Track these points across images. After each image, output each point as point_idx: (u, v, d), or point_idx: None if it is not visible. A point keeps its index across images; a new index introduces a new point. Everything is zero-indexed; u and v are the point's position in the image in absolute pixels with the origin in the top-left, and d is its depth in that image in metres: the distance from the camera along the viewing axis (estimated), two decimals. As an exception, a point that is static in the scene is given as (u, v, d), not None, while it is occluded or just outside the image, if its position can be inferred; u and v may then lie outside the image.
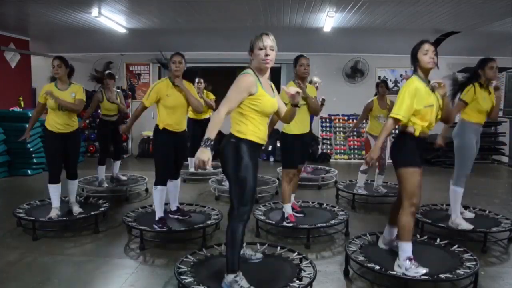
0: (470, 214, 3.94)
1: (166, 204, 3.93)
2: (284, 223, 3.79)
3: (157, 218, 3.66)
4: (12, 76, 7.45)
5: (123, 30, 6.76)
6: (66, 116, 3.91)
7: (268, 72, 2.58)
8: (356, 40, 7.60)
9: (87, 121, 8.72)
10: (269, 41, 2.46)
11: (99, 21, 6.10)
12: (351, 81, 8.89)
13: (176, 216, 3.91)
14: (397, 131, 3.09)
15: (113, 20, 6.16)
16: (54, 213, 3.92)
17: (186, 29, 6.87)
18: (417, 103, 2.72)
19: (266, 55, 2.44)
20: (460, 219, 3.69)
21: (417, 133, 2.79)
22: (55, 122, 3.89)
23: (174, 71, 3.61)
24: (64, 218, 3.88)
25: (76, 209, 4.06)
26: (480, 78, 3.68)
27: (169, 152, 3.72)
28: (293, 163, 3.85)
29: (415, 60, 2.82)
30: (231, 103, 2.39)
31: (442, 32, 6.58)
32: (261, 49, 2.45)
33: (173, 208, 3.98)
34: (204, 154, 2.24)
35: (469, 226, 3.62)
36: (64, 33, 7.03)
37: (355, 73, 8.86)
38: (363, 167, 5.05)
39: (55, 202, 3.98)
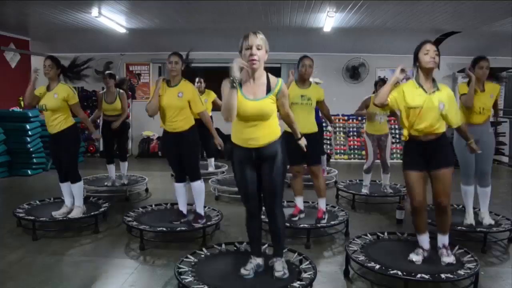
0: (489, 220, 3.76)
1: (190, 204, 3.99)
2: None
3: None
4: (12, 76, 7.44)
5: (123, 30, 6.76)
6: (48, 116, 3.82)
7: (261, 71, 2.49)
8: (356, 40, 7.60)
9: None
10: (256, 40, 2.39)
11: (99, 21, 6.10)
12: (351, 81, 8.89)
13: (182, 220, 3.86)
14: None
15: (113, 20, 6.16)
16: (61, 210, 3.96)
17: (186, 29, 6.87)
18: (400, 97, 2.82)
19: (251, 54, 2.37)
20: (468, 215, 3.76)
21: (404, 134, 2.88)
22: (46, 121, 3.89)
23: (170, 71, 3.64)
24: (64, 218, 3.88)
25: (75, 213, 3.92)
26: (471, 77, 3.64)
27: (167, 151, 3.85)
28: (296, 159, 3.76)
29: (416, 60, 2.83)
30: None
31: (442, 32, 6.58)
32: (247, 48, 2.39)
33: (195, 210, 3.89)
34: (237, 62, 2.34)
35: (471, 221, 3.73)
36: (64, 33, 7.03)
37: (355, 73, 8.86)
38: (365, 166, 5.08)
39: (66, 200, 4.03)
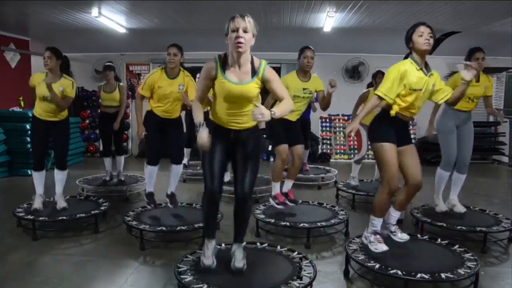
0: (461, 208, 3.88)
1: (190, 204, 4.15)
2: (272, 202, 3.94)
3: (146, 192, 4.04)
4: (12, 76, 7.44)
5: (123, 30, 6.76)
6: (52, 106, 3.89)
7: (247, 56, 2.41)
8: (356, 40, 7.60)
9: (87, 121, 8.74)
10: (242, 22, 2.30)
11: (99, 21, 6.10)
12: (351, 81, 8.89)
13: (167, 201, 4.04)
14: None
15: (113, 20, 6.16)
16: (37, 201, 3.98)
17: (186, 29, 6.86)
18: (403, 86, 2.74)
19: (237, 37, 2.28)
20: (439, 201, 3.83)
21: (392, 112, 2.80)
22: (42, 109, 3.92)
23: (168, 62, 3.69)
24: (64, 218, 3.88)
25: (61, 203, 4.02)
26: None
27: (153, 133, 3.90)
28: (280, 138, 3.83)
29: (409, 42, 2.79)
30: (197, 90, 2.54)
31: (442, 32, 6.57)
32: (233, 31, 2.32)
33: (168, 191, 4.08)
34: (201, 134, 2.33)
35: (444, 208, 3.81)
36: (64, 33, 7.03)
37: (355, 73, 8.86)
38: (356, 157, 5.11)
39: (39, 189, 4.03)
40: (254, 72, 2.45)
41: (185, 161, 6.29)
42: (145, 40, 7.73)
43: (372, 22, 6.23)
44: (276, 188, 4.03)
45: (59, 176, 4.09)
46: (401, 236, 3.00)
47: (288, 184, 4.13)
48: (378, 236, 2.92)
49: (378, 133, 2.88)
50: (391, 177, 2.82)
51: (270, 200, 4.02)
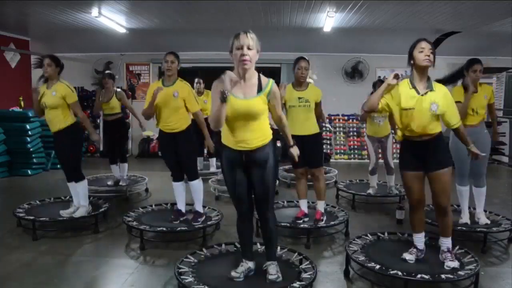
0: (485, 221, 3.76)
1: (190, 204, 4.03)
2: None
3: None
4: (12, 76, 7.44)
5: (123, 30, 6.75)
6: (49, 114, 3.82)
7: (252, 72, 2.44)
8: (356, 40, 7.59)
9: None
10: (246, 39, 2.33)
11: (99, 21, 6.09)
12: (351, 81, 8.89)
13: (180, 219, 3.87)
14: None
15: (113, 20, 6.16)
16: (69, 209, 4.00)
17: (186, 29, 6.86)
18: (390, 100, 2.79)
19: (242, 54, 2.32)
20: (463, 214, 3.77)
21: (396, 137, 2.90)
22: (46, 120, 3.90)
23: (166, 70, 3.64)
24: (64, 218, 3.88)
25: (80, 212, 3.92)
26: (464, 78, 3.61)
27: (164, 150, 3.87)
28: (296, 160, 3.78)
29: (411, 58, 2.79)
30: (212, 112, 2.45)
31: (442, 32, 6.57)
32: (238, 48, 2.35)
33: (194, 209, 3.95)
34: (225, 78, 2.32)
35: (466, 221, 3.74)
36: (64, 33, 7.02)
37: (355, 73, 8.86)
38: (369, 168, 5.10)
39: (74, 199, 4.06)
40: (260, 89, 2.46)
41: (213, 169, 6.40)
42: (145, 40, 7.73)
43: (372, 22, 6.22)
44: (301, 205, 3.92)
45: (77, 189, 3.99)
46: (449, 264, 2.82)
47: (319, 205, 3.87)
48: (411, 249, 2.97)
49: (400, 161, 2.97)
50: (410, 197, 2.95)
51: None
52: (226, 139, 2.55)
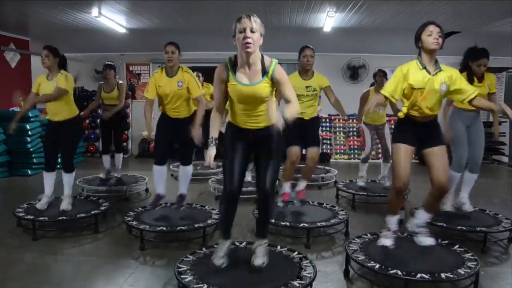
0: (470, 207, 3.88)
1: (190, 204, 4.09)
2: (278, 201, 3.96)
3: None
4: (12, 76, 7.44)
5: (123, 30, 6.76)
6: (53, 104, 3.88)
7: (256, 56, 2.39)
8: (356, 40, 7.59)
9: (87, 121, 8.73)
10: (249, 22, 2.29)
11: (99, 21, 6.10)
12: (351, 81, 8.89)
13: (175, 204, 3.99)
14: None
15: (113, 20, 6.16)
16: (43, 200, 3.99)
17: (186, 29, 6.86)
18: (405, 85, 2.78)
19: (245, 37, 2.27)
20: (447, 200, 3.80)
21: (400, 114, 2.86)
22: (47, 109, 3.95)
23: (167, 61, 3.69)
24: (64, 218, 3.87)
25: (65, 205, 3.98)
26: (467, 68, 3.63)
27: (162, 134, 3.88)
28: (292, 139, 3.76)
29: (418, 41, 2.80)
30: (215, 98, 2.57)
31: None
32: (240, 32, 2.31)
33: (178, 192, 4.06)
34: (210, 153, 2.43)
35: (449, 208, 3.81)
36: (64, 33, 7.02)
37: (355, 73, 8.86)
38: (362, 156, 5.12)
39: (46, 189, 4.03)
40: (264, 72, 2.43)
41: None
42: (145, 40, 7.73)
43: (372, 22, 6.22)
44: (284, 188, 4.02)
45: (65, 178, 4.06)
46: (423, 240, 2.92)
47: (301, 184, 4.08)
48: (388, 232, 3.00)
49: (394, 134, 2.98)
50: (397, 176, 2.88)
51: (277, 200, 3.97)
52: (234, 119, 2.56)
